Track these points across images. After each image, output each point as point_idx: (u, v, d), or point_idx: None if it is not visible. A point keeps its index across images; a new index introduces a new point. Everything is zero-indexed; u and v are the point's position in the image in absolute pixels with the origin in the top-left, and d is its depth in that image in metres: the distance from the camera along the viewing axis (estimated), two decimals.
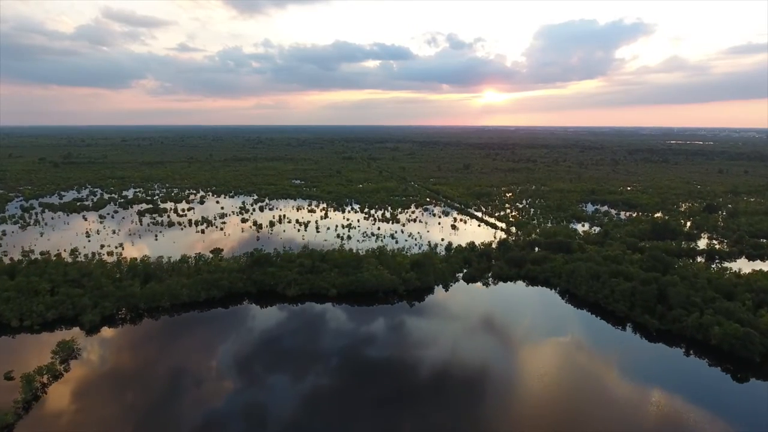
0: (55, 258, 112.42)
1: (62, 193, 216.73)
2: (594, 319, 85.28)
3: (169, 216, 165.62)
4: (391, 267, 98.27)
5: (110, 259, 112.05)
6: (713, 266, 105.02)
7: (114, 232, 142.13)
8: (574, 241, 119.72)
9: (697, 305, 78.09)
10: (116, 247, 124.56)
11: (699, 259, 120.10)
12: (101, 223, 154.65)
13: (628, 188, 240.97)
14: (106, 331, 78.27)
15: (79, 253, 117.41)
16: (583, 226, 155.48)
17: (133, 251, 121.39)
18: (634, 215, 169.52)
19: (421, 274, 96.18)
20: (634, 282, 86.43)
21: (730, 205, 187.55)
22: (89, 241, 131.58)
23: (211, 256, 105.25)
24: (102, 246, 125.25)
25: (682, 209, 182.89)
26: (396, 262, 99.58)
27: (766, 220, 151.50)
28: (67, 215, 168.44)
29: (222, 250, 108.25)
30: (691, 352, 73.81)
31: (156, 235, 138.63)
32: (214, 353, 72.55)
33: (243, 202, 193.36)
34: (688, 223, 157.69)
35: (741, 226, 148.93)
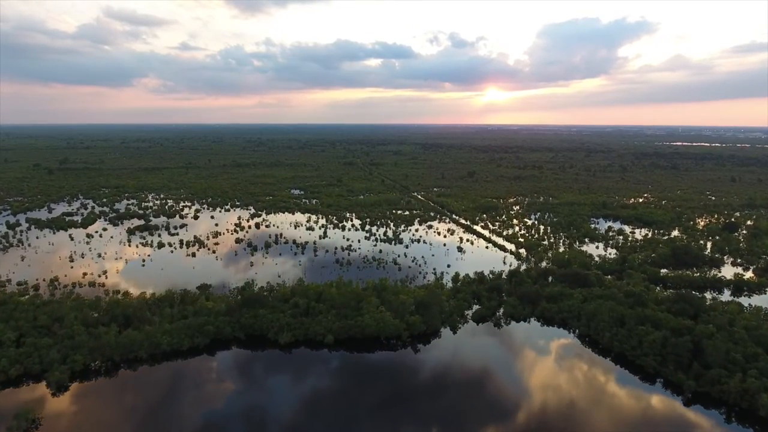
0: (32, 290, 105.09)
1: (52, 205, 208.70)
2: (621, 373, 76.35)
3: (159, 235, 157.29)
4: (393, 307, 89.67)
5: (90, 292, 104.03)
6: (746, 305, 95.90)
7: (100, 255, 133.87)
8: (591, 272, 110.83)
9: (739, 363, 69.36)
10: (99, 276, 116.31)
11: (726, 291, 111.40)
12: (87, 243, 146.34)
13: (640, 200, 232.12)
14: (75, 390, 69.80)
15: (59, 284, 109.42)
16: (597, 247, 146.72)
17: (116, 281, 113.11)
18: (650, 235, 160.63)
19: (427, 317, 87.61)
20: (665, 331, 77.69)
21: (750, 222, 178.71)
22: (72, 267, 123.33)
23: (197, 292, 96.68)
24: (84, 274, 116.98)
25: (700, 226, 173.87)
26: (399, 301, 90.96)
27: None
28: (54, 233, 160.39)
29: (210, 286, 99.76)
30: (734, 419, 65.24)
31: (143, 260, 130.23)
32: (194, 416, 64.15)
33: (239, 218, 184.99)
34: (708, 244, 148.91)
35: (766, 249, 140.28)
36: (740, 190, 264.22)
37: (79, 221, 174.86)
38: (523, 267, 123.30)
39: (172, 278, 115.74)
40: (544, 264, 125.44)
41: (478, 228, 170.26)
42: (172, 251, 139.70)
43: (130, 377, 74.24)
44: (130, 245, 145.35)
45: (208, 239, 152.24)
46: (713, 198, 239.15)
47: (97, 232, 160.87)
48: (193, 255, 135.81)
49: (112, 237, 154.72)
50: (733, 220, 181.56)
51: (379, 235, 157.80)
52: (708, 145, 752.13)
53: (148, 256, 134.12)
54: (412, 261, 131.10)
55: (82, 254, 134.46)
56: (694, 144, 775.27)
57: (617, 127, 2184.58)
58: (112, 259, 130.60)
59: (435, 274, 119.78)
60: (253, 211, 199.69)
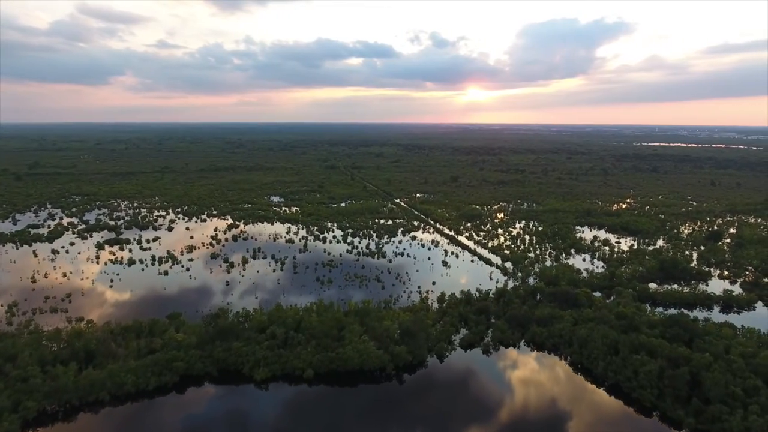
0: None
1: (18, 216, 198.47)
2: (616, 405, 72.72)
3: (131, 250, 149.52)
4: (377, 334, 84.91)
5: (52, 320, 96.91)
6: (738, 325, 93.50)
7: (65, 275, 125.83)
8: (580, 290, 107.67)
9: (739, 398, 66.33)
10: (63, 299, 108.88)
11: (716, 308, 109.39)
12: (53, 261, 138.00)
13: (623, 206, 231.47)
14: None
15: (17, 311, 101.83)
16: (584, 259, 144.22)
17: (80, 306, 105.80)
18: (635, 245, 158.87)
19: (413, 346, 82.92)
20: (660, 360, 74.41)
21: (733, 230, 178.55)
22: (33, 289, 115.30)
23: (167, 321, 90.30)
24: (46, 298, 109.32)
25: (684, 235, 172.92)
26: (383, 328, 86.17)
27: None
28: (17, 248, 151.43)
29: (180, 314, 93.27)
30: None
31: (112, 280, 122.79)
32: None
33: (215, 229, 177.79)
34: (695, 255, 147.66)
35: (751, 260, 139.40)
36: (720, 195, 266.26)
37: (45, 234, 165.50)
38: (510, 284, 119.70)
39: (142, 302, 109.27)
40: (531, 280, 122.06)
41: (462, 239, 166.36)
42: (143, 269, 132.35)
43: (90, 422, 67.99)
44: (98, 262, 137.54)
45: (182, 254, 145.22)
46: (694, 203, 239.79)
47: (63, 247, 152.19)
48: (166, 273, 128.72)
49: (79, 253, 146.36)
50: (716, 227, 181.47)
51: (362, 248, 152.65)
52: (685, 145, 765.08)
53: (117, 275, 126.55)
54: (396, 278, 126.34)
55: (46, 274, 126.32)
56: (672, 144, 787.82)
57: (596, 127, 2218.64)
58: (78, 279, 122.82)
59: (420, 292, 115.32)
60: (230, 221, 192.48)
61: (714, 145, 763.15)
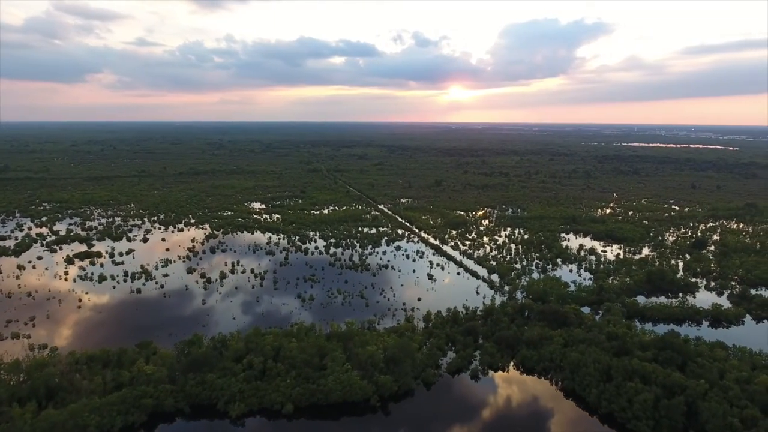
0: None
1: None
2: None
3: (102, 264, 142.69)
4: (361, 361, 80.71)
5: (12, 348, 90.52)
6: (729, 343, 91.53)
7: (30, 294, 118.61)
8: (569, 307, 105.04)
9: (737, 429, 63.86)
10: (25, 323, 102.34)
11: (705, 323, 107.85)
12: (18, 278, 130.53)
13: (608, 211, 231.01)
14: None
15: None
16: (571, 270, 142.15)
17: (44, 331, 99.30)
18: (621, 254, 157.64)
19: (398, 374, 78.91)
20: (655, 388, 71.69)
21: (716, 237, 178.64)
22: None
23: (136, 350, 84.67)
24: (8, 322, 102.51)
25: (669, 242, 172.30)
26: (367, 354, 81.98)
27: (763, 264, 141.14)
28: None
29: (151, 342, 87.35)
30: None
31: (80, 299, 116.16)
32: None
33: (193, 240, 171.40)
34: (680, 264, 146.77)
35: (736, 270, 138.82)
36: (701, 198, 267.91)
37: (12, 248, 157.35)
38: (498, 299, 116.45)
39: (112, 324, 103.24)
40: (518, 295, 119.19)
41: (448, 249, 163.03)
42: (114, 286, 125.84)
43: None
44: (66, 279, 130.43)
45: (156, 269, 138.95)
46: (677, 208, 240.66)
47: (30, 261, 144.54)
48: (138, 291, 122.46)
49: (47, 268, 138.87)
50: (699, 234, 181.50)
51: (345, 260, 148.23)
52: (664, 146, 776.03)
53: (86, 293, 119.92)
54: (380, 293, 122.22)
55: (9, 294, 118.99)
56: (651, 145, 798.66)
57: (576, 126, 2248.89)
58: (44, 299, 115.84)
59: (405, 310, 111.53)
60: (208, 230, 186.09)
61: (692, 146, 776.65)
